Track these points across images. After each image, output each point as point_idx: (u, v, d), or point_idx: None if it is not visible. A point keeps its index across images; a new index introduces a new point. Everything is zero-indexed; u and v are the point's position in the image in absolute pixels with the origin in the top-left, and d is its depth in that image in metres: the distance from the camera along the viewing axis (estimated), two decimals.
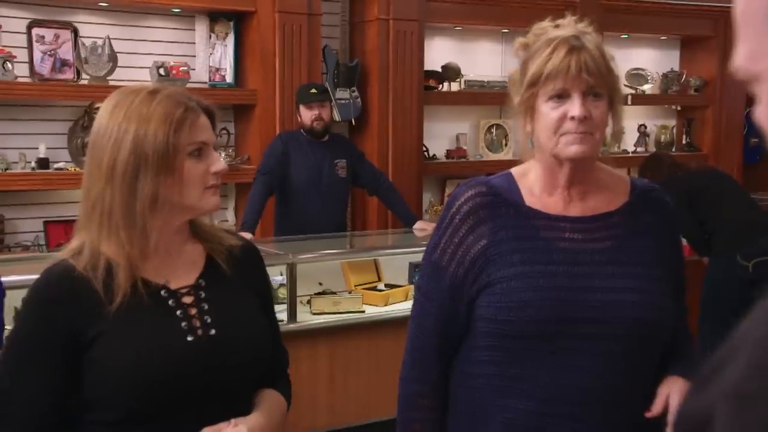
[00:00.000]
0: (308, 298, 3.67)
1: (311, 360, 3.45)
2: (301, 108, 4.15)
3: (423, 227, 4.08)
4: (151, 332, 1.27)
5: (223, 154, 4.43)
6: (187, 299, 1.32)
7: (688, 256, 4.23)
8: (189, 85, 4.29)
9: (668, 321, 1.42)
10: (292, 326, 3.39)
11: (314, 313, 3.56)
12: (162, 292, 1.30)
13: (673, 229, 1.53)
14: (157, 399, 1.25)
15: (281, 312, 3.44)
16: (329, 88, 4.66)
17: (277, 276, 3.64)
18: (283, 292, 3.60)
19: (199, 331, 1.31)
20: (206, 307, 1.33)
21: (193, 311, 1.32)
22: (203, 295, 1.34)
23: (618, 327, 1.36)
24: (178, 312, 1.31)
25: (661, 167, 4.20)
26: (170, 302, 1.30)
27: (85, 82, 4.21)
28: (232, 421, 1.27)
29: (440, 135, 5.22)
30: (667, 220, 1.50)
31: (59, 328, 1.24)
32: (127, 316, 1.25)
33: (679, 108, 6.16)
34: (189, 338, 1.29)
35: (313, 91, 4.13)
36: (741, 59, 0.60)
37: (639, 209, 1.47)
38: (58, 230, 4.10)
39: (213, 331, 1.32)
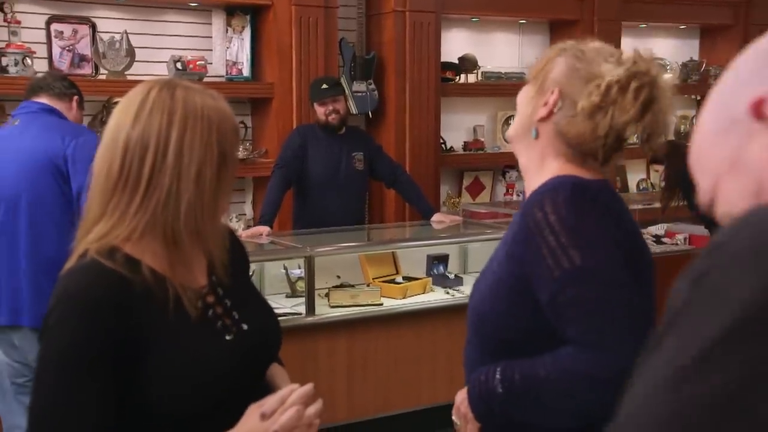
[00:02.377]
0: (326, 291, 3.66)
1: (329, 353, 3.46)
2: (315, 105, 4.14)
3: (441, 219, 4.06)
4: (197, 337, 1.26)
5: (240, 148, 4.44)
6: (210, 299, 1.32)
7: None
8: (206, 79, 4.31)
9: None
10: (310, 319, 3.40)
11: (332, 306, 3.56)
12: (189, 294, 1.28)
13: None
14: (206, 400, 1.25)
15: (300, 305, 3.47)
16: (345, 81, 4.66)
17: (295, 269, 3.69)
18: (301, 285, 3.61)
19: (234, 329, 1.32)
20: (228, 303, 1.34)
21: (219, 310, 1.32)
22: (221, 292, 1.34)
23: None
24: (209, 313, 1.31)
25: (681, 156, 4.12)
26: (199, 304, 1.29)
27: (103, 77, 4.22)
28: (287, 388, 1.26)
29: (457, 127, 5.20)
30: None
31: (111, 335, 1.18)
32: (173, 323, 1.24)
33: (699, 98, 6.08)
34: (228, 337, 1.30)
35: (325, 86, 4.10)
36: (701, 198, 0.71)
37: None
38: None
39: (245, 326, 1.33)
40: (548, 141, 1.42)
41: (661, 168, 4.12)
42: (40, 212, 2.74)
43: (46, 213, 2.73)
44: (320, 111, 4.10)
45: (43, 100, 2.91)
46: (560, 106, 1.40)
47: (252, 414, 1.22)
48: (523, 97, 1.47)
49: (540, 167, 1.44)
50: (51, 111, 2.89)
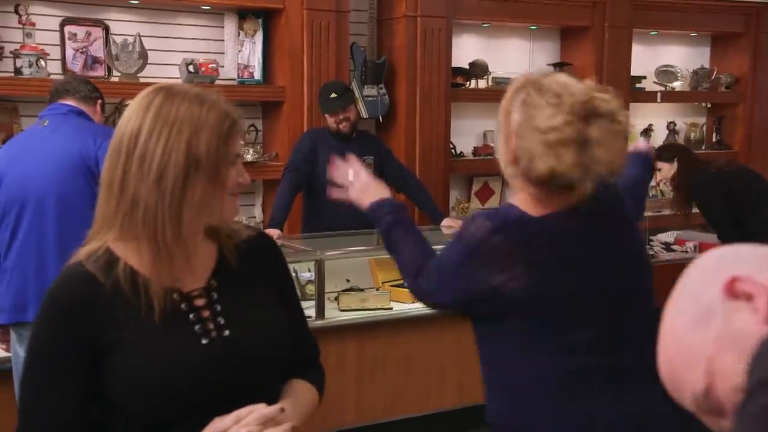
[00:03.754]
0: (336, 294, 3.64)
1: (339, 356, 3.44)
2: (326, 115, 4.09)
3: (450, 224, 4.01)
4: (166, 338, 1.26)
5: (251, 151, 4.43)
6: (199, 302, 1.31)
7: None
8: (218, 82, 4.33)
9: None
10: (319, 323, 3.38)
11: (342, 310, 3.54)
12: (174, 296, 1.28)
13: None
14: (176, 404, 1.24)
15: (309, 308, 3.44)
16: (356, 85, 4.66)
17: (305, 272, 3.67)
18: (311, 289, 3.60)
19: (213, 333, 1.29)
20: (219, 308, 1.32)
21: (206, 313, 1.31)
22: (215, 296, 1.32)
23: None
24: (191, 316, 1.29)
25: (690, 160, 4.04)
26: (183, 306, 1.29)
27: (116, 79, 4.21)
28: (246, 408, 1.24)
29: (467, 132, 5.17)
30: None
31: (79, 336, 1.23)
32: (142, 323, 1.25)
33: (709, 105, 6.08)
34: (203, 341, 1.28)
35: (333, 96, 4.03)
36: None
37: None
38: None
39: (227, 332, 1.31)
40: (519, 176, 1.65)
41: (664, 165, 4.05)
42: (69, 212, 2.76)
43: (77, 213, 2.74)
44: (331, 121, 4.06)
45: (70, 102, 2.95)
46: (520, 155, 1.59)
47: (211, 427, 1.21)
48: (500, 135, 1.67)
49: (513, 194, 1.74)
50: (80, 113, 2.94)
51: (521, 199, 1.69)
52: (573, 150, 1.53)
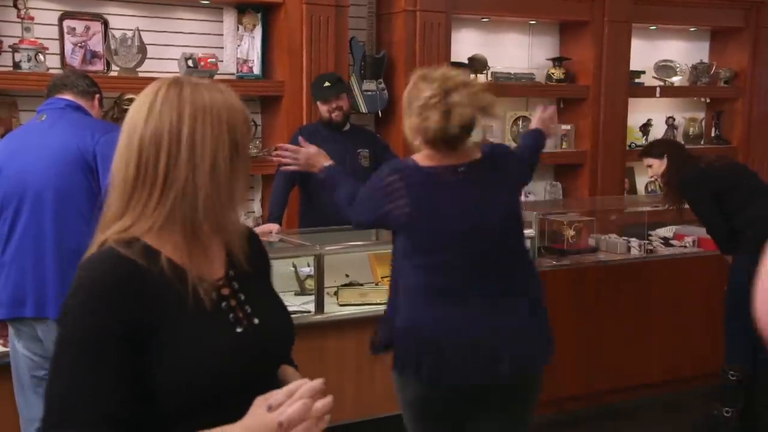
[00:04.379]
0: (335, 289, 3.61)
1: (338, 351, 3.42)
2: (318, 103, 4.06)
3: None
4: (208, 326, 1.28)
5: (250, 146, 4.32)
6: (225, 291, 1.34)
7: (713, 250, 4.14)
8: (217, 77, 4.26)
9: None
10: (319, 317, 3.36)
11: (341, 305, 3.51)
12: (205, 285, 1.30)
13: None
14: (215, 388, 1.26)
15: (309, 303, 3.43)
16: (355, 80, 4.62)
17: (304, 267, 3.66)
18: (310, 284, 3.58)
19: (245, 322, 1.33)
20: (243, 297, 1.35)
21: (233, 302, 1.34)
22: (236, 286, 1.35)
23: None
24: (223, 305, 1.32)
25: (681, 155, 4.02)
26: (213, 295, 1.31)
27: (115, 73, 4.18)
28: (295, 383, 1.25)
29: None
30: None
31: (122, 320, 1.21)
32: (184, 310, 1.26)
33: (708, 100, 6.04)
34: (238, 329, 1.31)
35: (327, 84, 4.00)
36: None
37: None
38: None
39: (256, 320, 1.35)
40: (420, 141, 2.27)
41: (655, 162, 4.03)
42: (67, 207, 2.74)
43: (74, 208, 2.72)
44: (323, 109, 4.03)
45: (68, 97, 2.92)
46: (415, 123, 2.22)
47: (258, 405, 1.21)
48: (404, 117, 2.29)
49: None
50: (77, 108, 2.91)
51: (419, 155, 2.30)
52: (437, 111, 2.16)
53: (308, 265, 3.60)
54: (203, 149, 1.23)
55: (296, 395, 1.20)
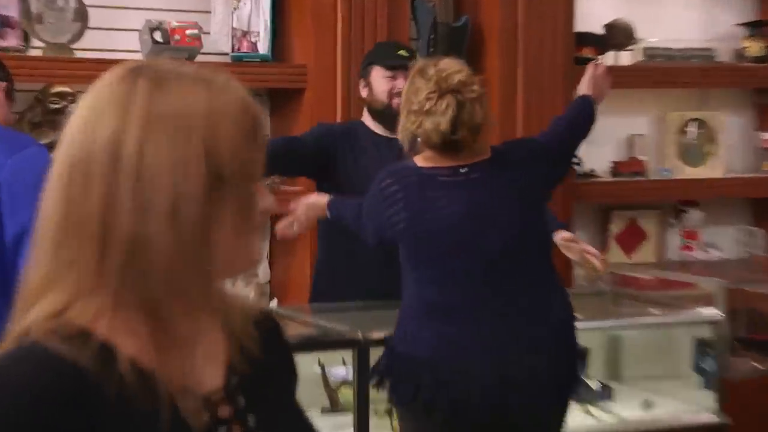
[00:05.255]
0: (388, 406, 3.18)
1: None
2: (376, 73, 3.55)
3: (570, 241, 3.29)
4: None
5: (260, 175, 4.18)
6: (224, 411, 1.22)
7: None
8: (202, 58, 3.88)
9: None
10: None
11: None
12: (190, 403, 1.19)
13: None
14: None
15: (346, 428, 3.23)
16: (418, 59, 4.08)
17: (337, 367, 3.43)
18: (347, 394, 3.30)
19: None
20: (252, 423, 1.25)
21: (237, 430, 1.24)
22: (242, 403, 1.25)
23: None
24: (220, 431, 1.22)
25: None
26: (206, 418, 1.21)
27: (38, 52, 3.86)
28: None
29: (601, 137, 4.33)
30: None
31: None
32: None
33: None
34: None
35: (402, 52, 3.61)
36: None
37: None
38: None
39: None
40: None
41: None
42: None
43: None
44: (381, 84, 3.56)
45: None
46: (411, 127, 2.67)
47: None
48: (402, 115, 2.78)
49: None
50: None
51: (421, 156, 2.66)
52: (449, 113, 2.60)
53: (343, 364, 3.39)
54: (156, 182, 1.15)
55: None
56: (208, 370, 1.25)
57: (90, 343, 1.16)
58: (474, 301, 2.56)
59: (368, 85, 3.64)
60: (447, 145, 2.57)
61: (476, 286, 2.56)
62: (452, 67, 2.61)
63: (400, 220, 2.60)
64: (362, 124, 3.65)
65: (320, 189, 3.60)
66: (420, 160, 2.65)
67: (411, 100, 2.60)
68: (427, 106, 2.54)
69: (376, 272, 3.44)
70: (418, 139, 2.60)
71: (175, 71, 1.22)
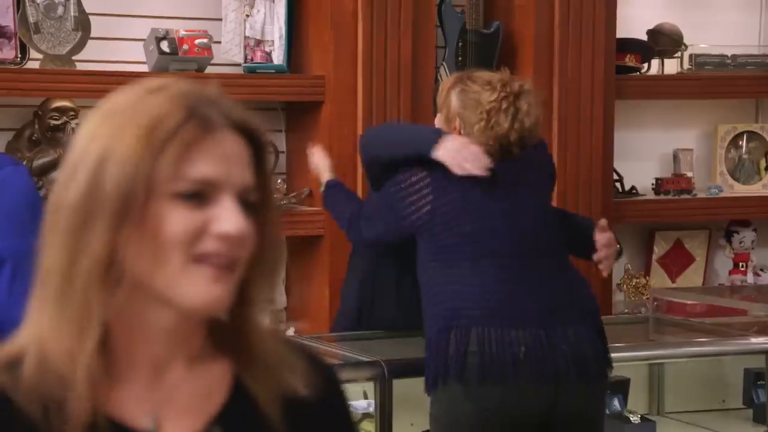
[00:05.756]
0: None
1: None
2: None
3: (608, 240, 3.05)
4: None
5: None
6: None
7: None
8: (212, 69, 3.89)
9: None
10: None
11: None
12: None
13: None
14: None
15: None
16: (445, 69, 4.19)
17: (357, 400, 3.38)
18: (369, 428, 3.27)
19: None
20: None
21: None
22: None
23: None
24: None
25: None
26: None
27: (36, 64, 3.84)
28: None
29: (644, 152, 4.70)
30: None
31: None
32: None
33: None
34: None
35: None
36: None
37: None
38: None
39: None
40: None
41: None
42: None
43: None
44: None
45: None
46: (463, 127, 2.88)
47: None
48: (438, 124, 3.02)
49: None
50: None
51: None
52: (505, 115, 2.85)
53: (364, 397, 3.40)
54: (57, 197, 1.21)
55: None
56: (188, 409, 1.22)
57: (27, 364, 1.19)
58: (509, 277, 2.78)
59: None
60: (508, 147, 2.82)
61: (506, 264, 2.78)
62: (506, 75, 2.92)
63: (425, 204, 2.79)
64: None
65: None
66: None
67: (473, 105, 2.85)
68: (503, 107, 2.82)
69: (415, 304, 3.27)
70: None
71: (146, 86, 1.25)
